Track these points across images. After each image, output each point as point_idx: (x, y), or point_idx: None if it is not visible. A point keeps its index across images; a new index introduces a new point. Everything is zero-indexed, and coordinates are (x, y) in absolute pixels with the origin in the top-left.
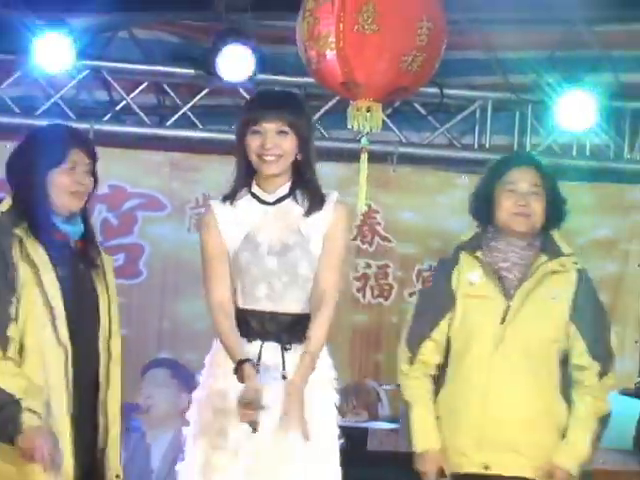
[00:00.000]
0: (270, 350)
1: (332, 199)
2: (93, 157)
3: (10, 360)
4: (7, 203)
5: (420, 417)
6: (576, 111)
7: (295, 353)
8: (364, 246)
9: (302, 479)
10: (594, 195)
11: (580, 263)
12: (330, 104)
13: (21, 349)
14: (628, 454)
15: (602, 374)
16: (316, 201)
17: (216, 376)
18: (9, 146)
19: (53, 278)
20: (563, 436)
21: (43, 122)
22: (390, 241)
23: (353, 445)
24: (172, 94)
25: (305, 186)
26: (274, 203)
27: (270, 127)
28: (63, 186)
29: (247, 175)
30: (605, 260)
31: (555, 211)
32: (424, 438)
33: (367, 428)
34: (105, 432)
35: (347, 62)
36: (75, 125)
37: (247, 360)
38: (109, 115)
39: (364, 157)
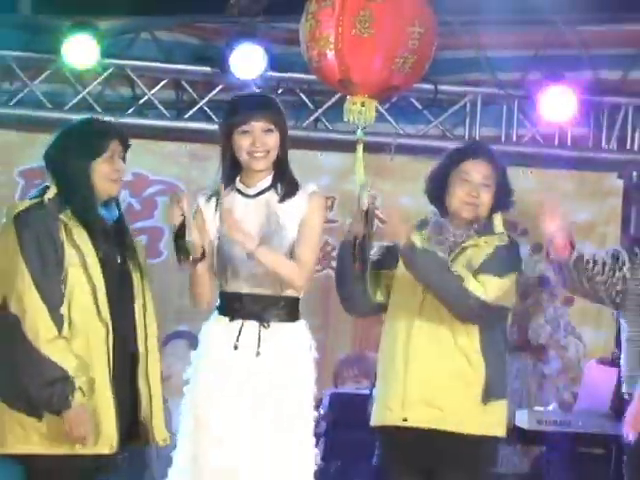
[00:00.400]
0: (249, 328)
1: (308, 190)
2: (126, 146)
3: (64, 339)
4: (52, 191)
5: None
6: (558, 105)
7: (272, 332)
8: (367, 227)
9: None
10: (574, 182)
11: (508, 238)
12: (333, 100)
13: (68, 327)
14: (605, 417)
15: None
16: (290, 189)
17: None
18: (41, 137)
19: (95, 260)
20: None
21: (72, 116)
22: (383, 221)
23: (355, 410)
24: (190, 90)
25: (284, 178)
26: (255, 196)
27: (258, 125)
28: (105, 174)
29: (232, 173)
30: (585, 242)
31: (501, 201)
32: None
33: (367, 395)
34: (149, 400)
35: (344, 62)
36: (109, 119)
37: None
38: (132, 109)
39: (360, 148)
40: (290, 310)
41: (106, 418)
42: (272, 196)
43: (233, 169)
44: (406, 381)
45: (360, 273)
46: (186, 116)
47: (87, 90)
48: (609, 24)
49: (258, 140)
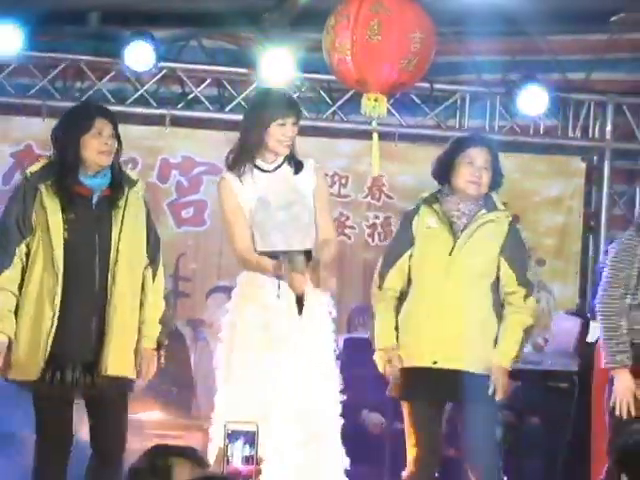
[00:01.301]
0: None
1: (311, 164)
2: (115, 124)
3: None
4: (36, 166)
5: (380, 323)
6: (532, 101)
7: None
8: (373, 202)
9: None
10: (545, 164)
11: (511, 217)
12: (347, 95)
13: (30, 273)
14: (569, 357)
15: (526, 297)
16: (299, 164)
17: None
18: None
19: (59, 222)
20: (495, 343)
21: (132, 109)
22: (392, 198)
23: (365, 351)
24: (229, 87)
25: (293, 157)
26: (274, 170)
27: (290, 121)
28: (93, 147)
29: (252, 152)
30: (554, 213)
31: (495, 181)
32: (382, 338)
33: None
34: (101, 335)
35: (359, 65)
36: (156, 111)
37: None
38: (182, 104)
39: (375, 136)
40: (309, 261)
41: (33, 348)
42: (287, 170)
43: (254, 150)
44: (436, 332)
45: None
46: (226, 109)
47: (145, 88)
48: (573, 34)
49: (289, 131)
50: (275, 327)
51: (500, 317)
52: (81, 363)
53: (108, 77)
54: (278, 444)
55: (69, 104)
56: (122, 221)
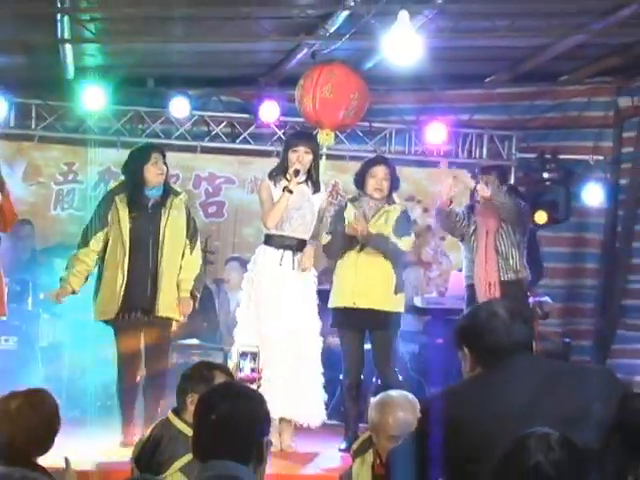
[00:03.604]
0: (287, 255)
1: (323, 191)
2: (164, 155)
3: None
4: (115, 184)
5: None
6: (435, 133)
7: (298, 257)
8: (332, 199)
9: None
10: (445, 175)
11: (404, 207)
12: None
13: (110, 251)
14: (460, 300)
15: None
16: (317, 187)
17: (262, 269)
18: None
19: (126, 220)
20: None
21: (175, 142)
22: (344, 197)
23: (326, 298)
24: (238, 127)
25: (312, 179)
26: (297, 185)
27: (302, 149)
28: (152, 173)
29: (283, 171)
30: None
31: (394, 185)
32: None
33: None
34: (155, 291)
35: (318, 112)
36: (190, 143)
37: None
38: (207, 138)
39: (324, 157)
40: (303, 246)
41: (111, 297)
42: (305, 188)
43: (284, 169)
44: (355, 282)
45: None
46: (237, 142)
47: (183, 128)
48: (461, 89)
49: (301, 157)
50: (278, 281)
51: (399, 273)
52: (141, 308)
53: (159, 121)
54: (272, 360)
55: (135, 139)
56: (167, 217)
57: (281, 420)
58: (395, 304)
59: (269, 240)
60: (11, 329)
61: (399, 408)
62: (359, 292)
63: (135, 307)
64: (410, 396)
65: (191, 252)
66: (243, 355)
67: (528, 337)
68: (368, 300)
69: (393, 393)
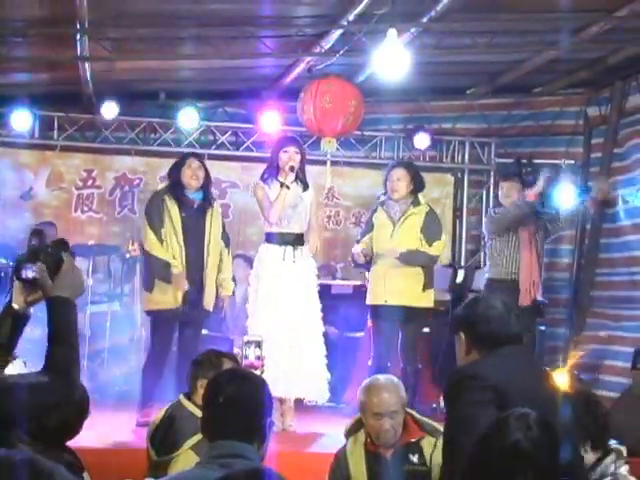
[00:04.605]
0: (288, 249)
1: (312, 188)
2: (201, 161)
3: (163, 248)
4: (161, 185)
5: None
6: (421, 140)
7: (298, 251)
8: (329, 202)
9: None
10: (430, 178)
11: (429, 207)
12: (311, 140)
13: (166, 245)
14: (446, 290)
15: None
16: (306, 185)
17: (265, 267)
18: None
19: (178, 216)
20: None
21: (185, 150)
22: (339, 200)
23: (327, 291)
24: (242, 136)
25: (301, 178)
26: (290, 183)
27: (292, 149)
28: (187, 175)
29: (274, 171)
30: (435, 207)
31: (416, 187)
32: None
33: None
34: (203, 284)
35: (318, 121)
36: (198, 151)
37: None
38: (214, 146)
39: (329, 163)
40: (303, 240)
41: (174, 289)
42: (297, 186)
43: (276, 170)
44: (385, 282)
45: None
46: (240, 149)
47: (192, 137)
48: (445, 101)
49: (293, 157)
50: (281, 273)
51: (430, 273)
52: (191, 301)
53: (170, 131)
54: (278, 345)
55: (148, 148)
56: (211, 219)
57: (283, 402)
58: (423, 300)
59: (271, 237)
60: (36, 320)
61: (384, 390)
62: (390, 291)
63: (186, 300)
64: (396, 380)
65: (228, 254)
66: (248, 343)
67: (520, 330)
68: (398, 298)
69: (380, 377)
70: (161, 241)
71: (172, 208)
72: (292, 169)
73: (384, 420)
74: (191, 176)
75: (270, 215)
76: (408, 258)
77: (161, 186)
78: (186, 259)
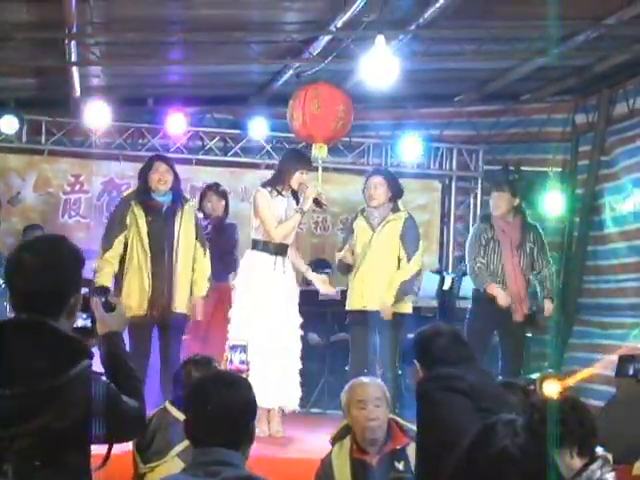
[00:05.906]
0: (279, 260)
1: (302, 200)
2: (169, 163)
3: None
4: (128, 192)
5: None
6: (409, 147)
7: (287, 260)
8: (317, 208)
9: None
10: (418, 184)
11: (408, 214)
12: (300, 145)
13: (131, 252)
14: (432, 299)
15: (408, 260)
16: (297, 198)
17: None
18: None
19: (144, 221)
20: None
21: (173, 155)
22: (327, 206)
23: (309, 297)
24: (230, 142)
25: (295, 193)
26: (287, 196)
27: (306, 171)
28: (154, 180)
29: (282, 185)
30: (423, 213)
31: (397, 193)
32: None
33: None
34: (172, 290)
35: (308, 127)
36: (186, 156)
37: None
38: (202, 152)
39: (320, 169)
40: (286, 249)
41: (139, 296)
42: (293, 200)
43: (284, 184)
44: (363, 287)
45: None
46: (228, 155)
47: (179, 142)
48: (433, 108)
49: (305, 177)
50: (271, 283)
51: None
52: (161, 306)
53: (158, 136)
54: (263, 355)
55: (135, 153)
56: (180, 222)
57: (270, 409)
58: (402, 306)
59: (263, 246)
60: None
61: (367, 383)
62: (369, 297)
63: (157, 305)
64: (378, 380)
65: (204, 254)
66: (233, 348)
67: (469, 353)
68: (377, 304)
69: (363, 378)
70: (111, 246)
71: (138, 213)
72: (317, 203)
73: (368, 409)
74: (158, 180)
75: (276, 235)
76: (400, 298)
77: (129, 191)
78: (152, 265)
